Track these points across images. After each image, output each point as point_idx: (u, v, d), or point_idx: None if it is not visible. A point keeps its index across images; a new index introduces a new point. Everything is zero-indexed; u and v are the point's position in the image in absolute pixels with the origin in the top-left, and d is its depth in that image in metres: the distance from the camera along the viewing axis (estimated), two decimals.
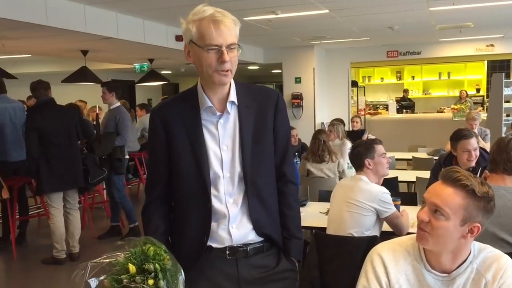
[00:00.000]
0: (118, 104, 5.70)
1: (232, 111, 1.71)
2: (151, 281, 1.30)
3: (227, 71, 1.62)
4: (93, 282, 1.33)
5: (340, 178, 4.90)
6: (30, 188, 6.28)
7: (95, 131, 6.08)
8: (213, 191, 1.69)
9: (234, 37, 1.60)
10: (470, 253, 1.57)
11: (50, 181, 4.74)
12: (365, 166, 2.99)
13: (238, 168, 1.70)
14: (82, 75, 7.82)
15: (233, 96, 1.71)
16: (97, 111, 8.45)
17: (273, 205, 1.80)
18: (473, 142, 3.49)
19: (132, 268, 1.31)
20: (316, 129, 6.70)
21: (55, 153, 4.75)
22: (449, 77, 13.15)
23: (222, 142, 1.70)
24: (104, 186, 6.77)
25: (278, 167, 1.82)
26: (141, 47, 7.10)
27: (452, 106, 11.37)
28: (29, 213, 6.07)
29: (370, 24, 7.56)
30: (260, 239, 1.75)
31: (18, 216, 5.58)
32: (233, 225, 1.71)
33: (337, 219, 2.99)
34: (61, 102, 5.14)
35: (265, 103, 1.77)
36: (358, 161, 3.03)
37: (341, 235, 2.91)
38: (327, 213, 3.31)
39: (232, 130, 1.71)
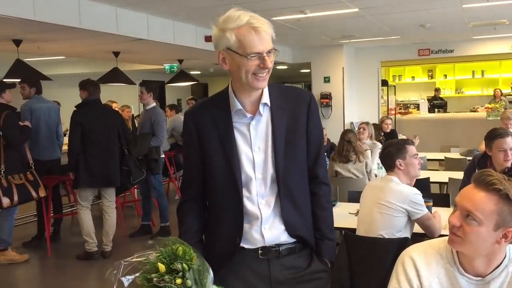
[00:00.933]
0: (154, 104, 5.79)
1: (265, 112, 1.72)
2: (179, 280, 1.31)
3: (266, 75, 1.63)
4: (126, 280, 1.36)
5: (368, 178, 4.87)
6: (64, 187, 6.45)
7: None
8: (245, 193, 1.70)
9: (271, 42, 1.62)
10: (505, 257, 1.53)
11: (85, 177, 4.88)
12: (396, 167, 2.94)
13: (270, 170, 1.70)
14: (114, 76, 7.98)
15: (266, 98, 1.71)
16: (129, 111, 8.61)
17: (305, 206, 1.80)
18: (509, 141, 3.40)
19: (161, 267, 1.33)
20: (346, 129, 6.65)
21: (94, 151, 4.89)
22: (483, 75, 12.82)
23: (254, 144, 1.71)
24: (135, 186, 6.89)
25: (311, 168, 1.81)
26: (171, 48, 7.19)
27: (486, 105, 11.09)
28: (64, 211, 6.24)
29: (401, 22, 7.45)
30: (293, 240, 1.75)
31: (52, 214, 5.73)
32: (266, 226, 1.71)
33: (367, 220, 2.96)
34: None
35: (297, 104, 1.77)
36: (389, 161, 2.98)
37: (371, 236, 2.87)
38: (356, 213, 3.28)
39: (265, 132, 1.72)
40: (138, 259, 1.37)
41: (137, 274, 1.36)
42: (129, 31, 5.92)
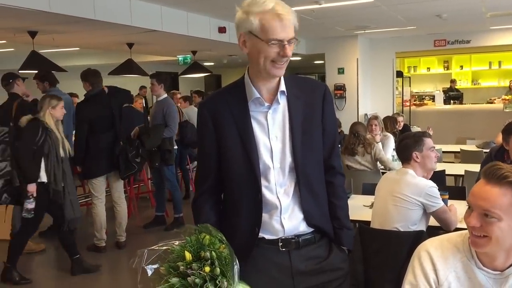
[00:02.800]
0: (166, 95, 5.79)
1: (282, 101, 1.71)
2: (207, 268, 1.30)
3: (284, 63, 1.63)
4: (150, 269, 1.35)
5: (382, 169, 4.85)
6: (79, 177, 6.50)
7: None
8: (263, 182, 1.69)
9: (293, 30, 1.61)
10: None
11: (95, 168, 4.92)
12: (413, 159, 2.91)
13: (289, 159, 1.70)
14: (128, 67, 8.01)
15: (283, 86, 1.71)
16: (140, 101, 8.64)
17: (322, 196, 1.80)
18: None
19: (188, 255, 1.33)
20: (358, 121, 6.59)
21: (101, 142, 4.91)
22: (500, 66, 12.61)
23: (271, 133, 1.70)
24: (149, 176, 6.93)
25: (327, 159, 1.81)
26: (185, 39, 7.18)
27: (503, 96, 10.92)
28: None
29: (417, 13, 7.34)
30: (311, 229, 1.74)
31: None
32: (285, 216, 1.71)
33: (382, 212, 2.94)
34: None
35: (313, 94, 1.77)
36: (406, 153, 2.95)
37: (386, 229, 2.86)
38: (371, 206, 3.26)
39: (282, 120, 1.71)
40: (163, 248, 1.37)
41: (161, 264, 1.35)
42: (142, 23, 5.92)
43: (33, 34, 6.15)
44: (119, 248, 5.10)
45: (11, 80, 5.00)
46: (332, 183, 1.83)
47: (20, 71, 5.82)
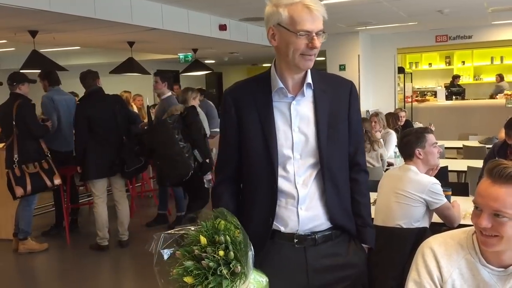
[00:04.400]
0: (169, 94, 5.78)
1: (307, 93, 1.72)
2: (221, 252, 1.31)
3: (313, 56, 1.63)
4: (165, 253, 1.36)
5: (383, 167, 4.83)
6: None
7: (144, 120, 6.21)
8: (281, 172, 1.69)
9: (322, 23, 1.62)
10: None
11: (94, 169, 4.88)
12: (415, 156, 2.90)
13: (313, 151, 1.70)
14: (129, 66, 8.00)
15: (309, 79, 1.71)
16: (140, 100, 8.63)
17: (345, 192, 1.79)
18: None
19: (203, 239, 1.33)
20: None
21: (100, 141, 4.89)
22: (502, 61, 12.57)
23: (293, 124, 1.70)
24: (151, 175, 6.93)
25: (352, 155, 1.81)
26: (186, 37, 7.16)
27: (506, 92, 10.88)
28: (81, 201, 6.31)
29: (419, 8, 7.31)
30: (329, 225, 1.73)
31: (70, 204, 5.79)
32: (302, 206, 1.70)
33: (385, 209, 2.93)
34: (109, 92, 5.27)
35: (339, 90, 1.78)
36: (408, 150, 2.94)
37: (389, 226, 2.85)
38: (374, 203, 3.25)
39: (307, 113, 1.71)
40: (180, 232, 1.38)
41: (177, 248, 1.36)
42: (143, 21, 5.91)
43: (33, 33, 6.14)
44: (121, 247, 5.11)
45: (15, 83, 5.02)
46: (357, 180, 1.82)
47: (21, 71, 5.82)
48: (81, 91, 5.33)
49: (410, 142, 2.93)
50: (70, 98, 5.74)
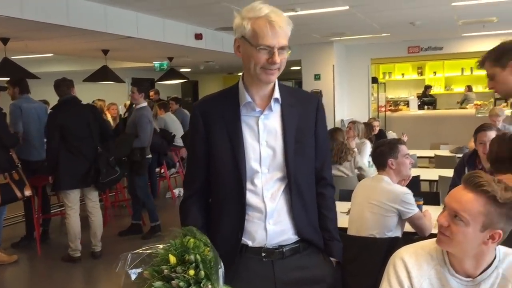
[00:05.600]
0: (144, 104, 5.73)
1: (275, 108, 1.72)
2: (192, 272, 1.30)
3: (275, 70, 1.64)
4: (133, 272, 1.34)
5: (359, 175, 4.87)
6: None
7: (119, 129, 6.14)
8: (249, 186, 1.69)
9: (286, 39, 1.62)
10: (495, 258, 1.54)
11: (68, 179, 4.79)
12: (388, 166, 2.94)
13: (280, 166, 1.70)
14: (103, 74, 7.92)
15: (277, 94, 1.72)
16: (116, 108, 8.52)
17: (312, 206, 1.80)
18: (489, 134, 3.42)
19: (172, 258, 1.32)
20: (334, 127, 6.61)
21: (73, 151, 4.79)
22: (472, 72, 12.90)
23: (261, 138, 1.70)
24: (125, 185, 6.85)
25: (319, 170, 1.82)
26: (161, 46, 7.15)
27: (475, 102, 11.17)
28: (52, 211, 6.18)
29: (391, 20, 7.47)
30: (296, 238, 1.74)
31: (41, 214, 5.67)
32: (270, 221, 1.70)
33: (358, 219, 2.96)
34: (83, 100, 5.19)
35: (307, 106, 1.79)
36: (381, 160, 2.98)
37: (363, 236, 2.88)
38: (348, 212, 3.28)
39: (274, 127, 1.72)
40: (147, 251, 1.36)
41: (145, 267, 1.34)
42: (118, 29, 5.87)
43: (5, 40, 6.04)
44: (94, 258, 5.01)
45: None
46: (323, 195, 1.84)
47: None
48: (52, 99, 5.25)
49: (383, 152, 2.98)
50: (40, 106, 5.63)
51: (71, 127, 4.79)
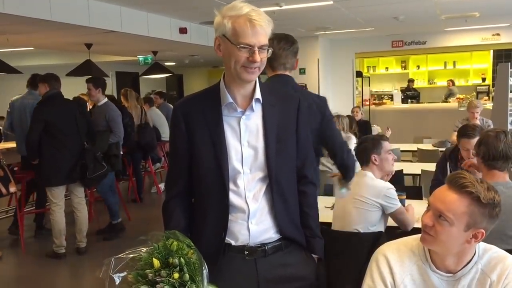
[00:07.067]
0: (105, 100, 5.62)
1: (256, 108, 1.73)
2: (176, 275, 1.30)
3: (255, 68, 1.64)
4: (117, 277, 1.33)
5: None
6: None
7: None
8: (232, 186, 1.70)
9: (267, 38, 1.63)
10: (475, 254, 1.58)
11: (53, 175, 4.75)
12: (371, 162, 2.98)
13: (262, 166, 1.71)
14: (87, 68, 7.83)
15: (258, 94, 1.72)
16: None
17: (294, 204, 1.81)
18: (473, 142, 3.46)
19: (156, 262, 1.32)
20: None
21: (60, 147, 4.75)
22: (454, 66, 13.07)
23: (243, 138, 1.71)
24: None
25: (300, 168, 1.83)
26: (145, 40, 7.10)
27: (458, 95, 11.32)
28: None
29: (375, 15, 7.51)
30: (278, 237, 1.76)
31: (31, 209, 5.63)
32: (253, 221, 1.71)
33: (343, 215, 3.00)
34: (65, 94, 5.12)
35: (288, 105, 1.80)
36: (365, 156, 3.02)
37: (346, 231, 2.92)
38: (332, 207, 3.32)
39: (255, 127, 1.72)
40: (131, 256, 1.35)
41: (129, 272, 1.34)
42: (101, 24, 5.81)
43: None
44: (79, 254, 4.98)
45: None
46: (305, 193, 1.85)
47: None
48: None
49: (367, 148, 3.02)
50: (23, 101, 5.55)
51: (57, 122, 4.74)
